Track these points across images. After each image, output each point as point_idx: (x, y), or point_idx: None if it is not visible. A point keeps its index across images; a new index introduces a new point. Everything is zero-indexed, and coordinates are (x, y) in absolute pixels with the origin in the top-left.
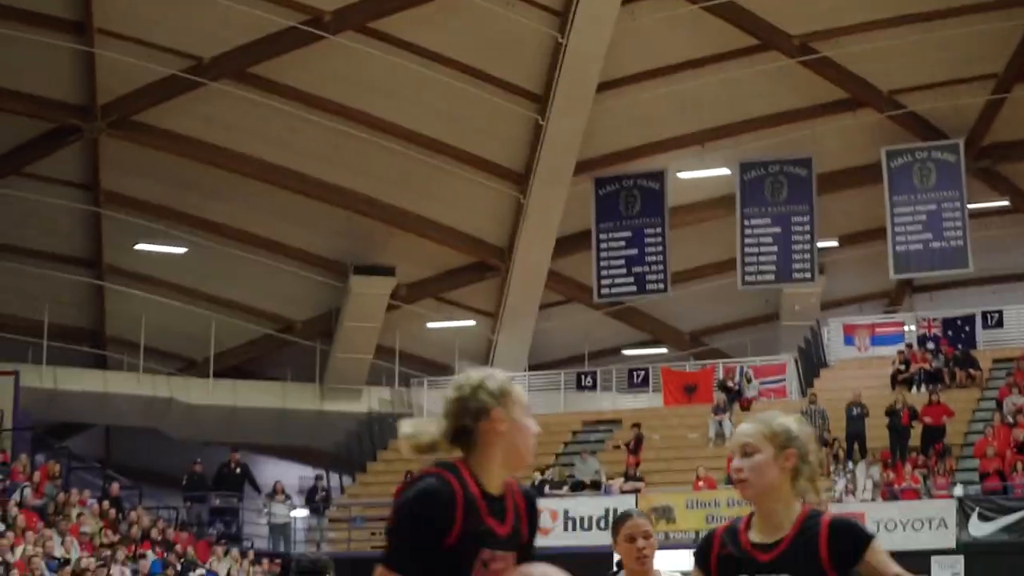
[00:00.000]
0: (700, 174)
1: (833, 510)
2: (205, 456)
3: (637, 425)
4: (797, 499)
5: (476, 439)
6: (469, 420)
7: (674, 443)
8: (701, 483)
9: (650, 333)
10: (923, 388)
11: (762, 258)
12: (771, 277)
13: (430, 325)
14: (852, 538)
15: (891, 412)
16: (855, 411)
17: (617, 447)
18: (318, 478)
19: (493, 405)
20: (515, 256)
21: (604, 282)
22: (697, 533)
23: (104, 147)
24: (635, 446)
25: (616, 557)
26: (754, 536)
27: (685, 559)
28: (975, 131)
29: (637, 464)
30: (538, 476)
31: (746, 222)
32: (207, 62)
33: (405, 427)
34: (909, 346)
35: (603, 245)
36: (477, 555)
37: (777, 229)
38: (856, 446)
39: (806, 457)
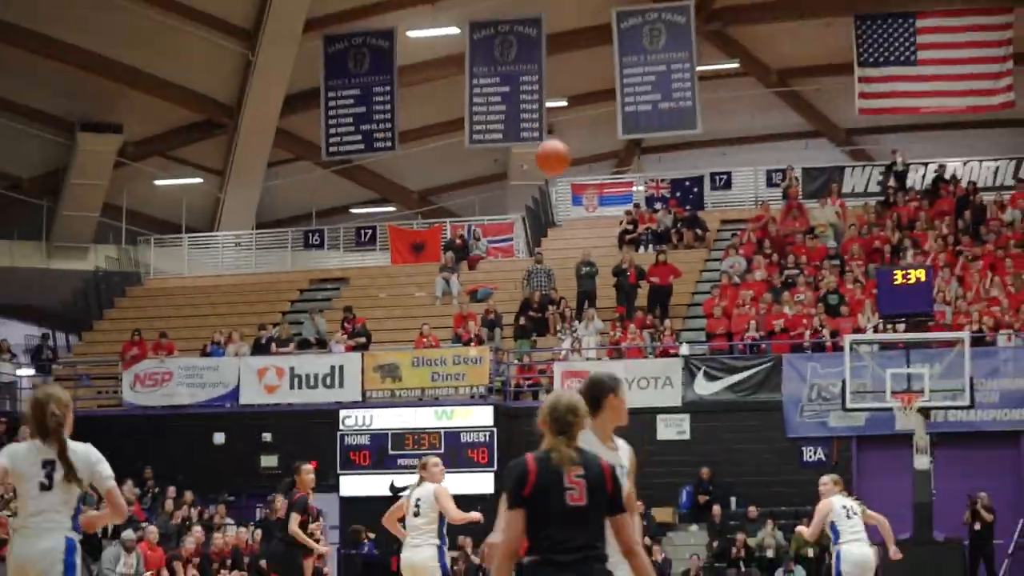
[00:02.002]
0: (429, 33)
1: (559, 369)
2: None
3: (349, 309)
4: None
5: None
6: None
7: (401, 301)
8: (426, 340)
9: (378, 192)
10: (650, 248)
11: (490, 117)
12: (499, 136)
13: (157, 183)
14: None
15: (618, 271)
16: (584, 269)
17: (347, 311)
18: (44, 337)
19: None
20: (243, 113)
21: (332, 140)
22: (423, 391)
23: None
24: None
25: None
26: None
27: (410, 416)
28: None
29: (362, 323)
30: (264, 334)
31: (474, 81)
32: None
33: None
34: (637, 206)
35: (331, 103)
36: None
37: (505, 88)
38: (586, 305)
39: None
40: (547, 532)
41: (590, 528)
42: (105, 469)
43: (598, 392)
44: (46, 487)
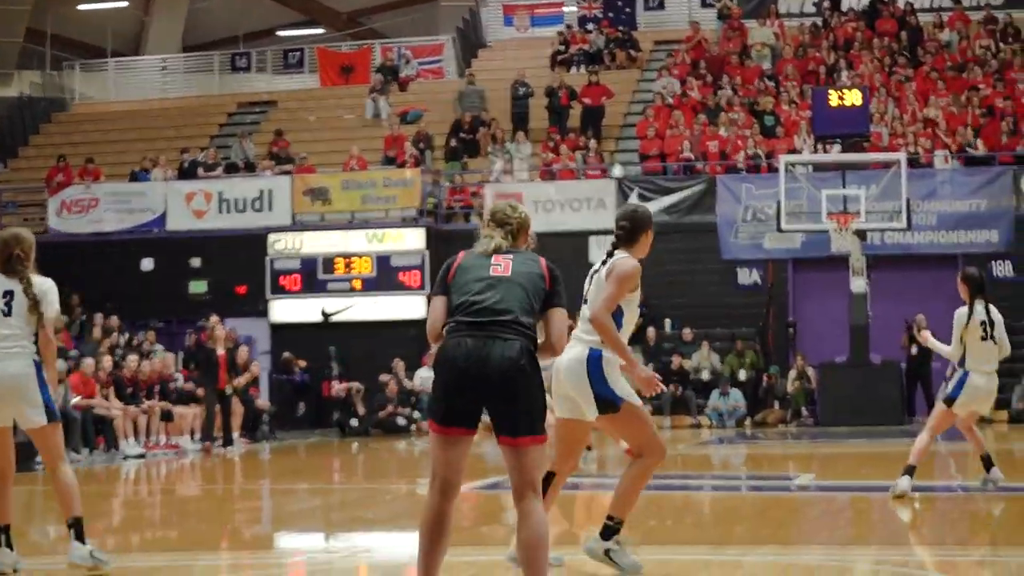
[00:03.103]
0: None
1: (490, 190)
2: None
3: (280, 132)
4: None
5: None
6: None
7: (330, 123)
8: (353, 163)
9: (306, 13)
10: (583, 69)
11: None
12: None
13: (81, 7)
14: None
15: (550, 92)
16: (521, 90)
17: (278, 134)
18: None
19: None
20: None
21: None
22: (353, 214)
23: None
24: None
25: None
26: None
27: (340, 240)
28: None
29: (286, 146)
30: (187, 158)
31: None
32: None
33: None
34: (569, 27)
35: None
36: None
37: None
38: (521, 125)
39: None
40: (465, 298)
41: (512, 297)
42: (52, 302)
43: (639, 224)
44: (6, 314)
